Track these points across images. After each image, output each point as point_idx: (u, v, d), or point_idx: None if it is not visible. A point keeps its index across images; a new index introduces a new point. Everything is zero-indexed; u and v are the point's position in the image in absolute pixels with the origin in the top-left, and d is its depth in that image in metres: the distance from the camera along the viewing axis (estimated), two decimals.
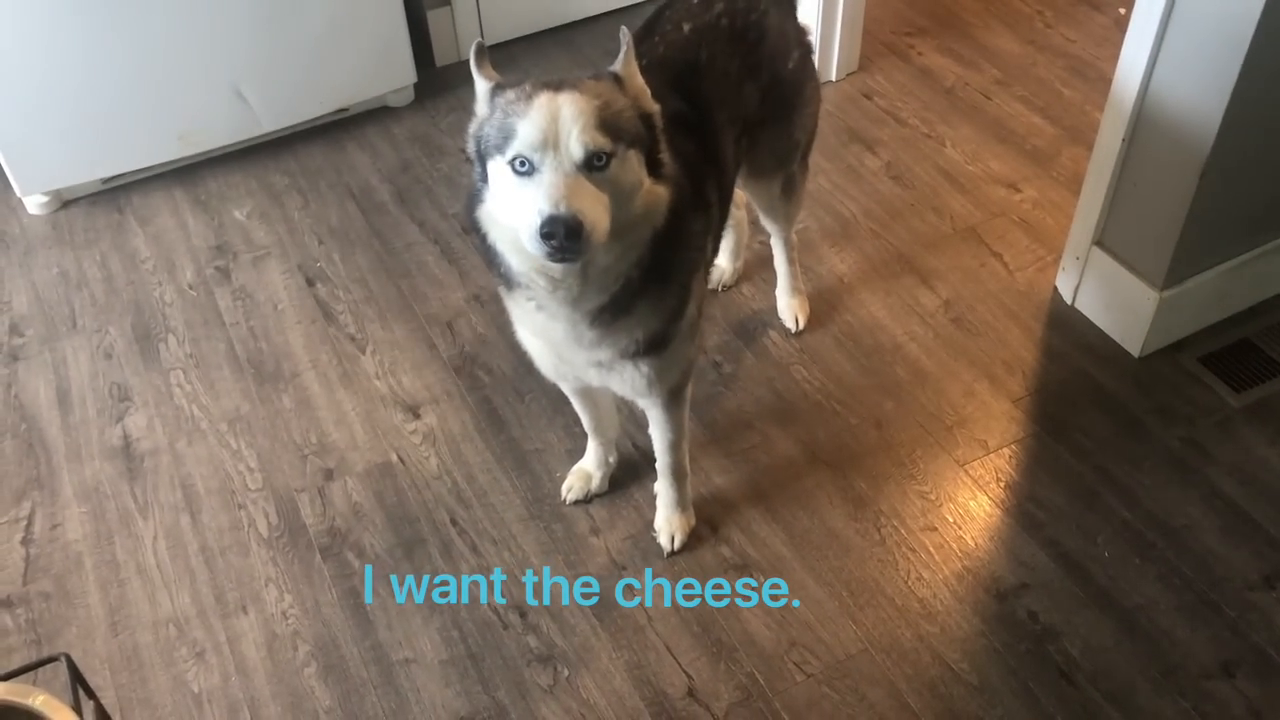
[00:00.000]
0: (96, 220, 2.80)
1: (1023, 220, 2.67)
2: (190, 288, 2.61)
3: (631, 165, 1.45)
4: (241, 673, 1.92)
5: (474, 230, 1.55)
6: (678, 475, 2.03)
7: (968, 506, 2.12)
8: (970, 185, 2.77)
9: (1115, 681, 1.85)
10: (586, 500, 2.14)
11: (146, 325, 2.53)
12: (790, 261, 2.40)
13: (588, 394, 1.99)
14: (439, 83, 3.15)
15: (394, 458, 2.24)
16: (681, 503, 2.06)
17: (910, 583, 2.00)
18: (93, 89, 2.65)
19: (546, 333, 1.67)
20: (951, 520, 2.09)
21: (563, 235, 1.35)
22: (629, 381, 1.74)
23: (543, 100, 1.40)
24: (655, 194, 1.50)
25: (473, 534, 2.10)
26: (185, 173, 2.90)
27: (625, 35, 1.48)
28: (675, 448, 1.97)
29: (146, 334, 2.51)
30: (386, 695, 1.88)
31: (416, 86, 3.08)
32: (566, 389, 1.98)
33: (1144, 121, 2.14)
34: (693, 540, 2.08)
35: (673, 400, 1.86)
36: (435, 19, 3.14)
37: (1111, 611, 1.94)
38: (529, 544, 2.09)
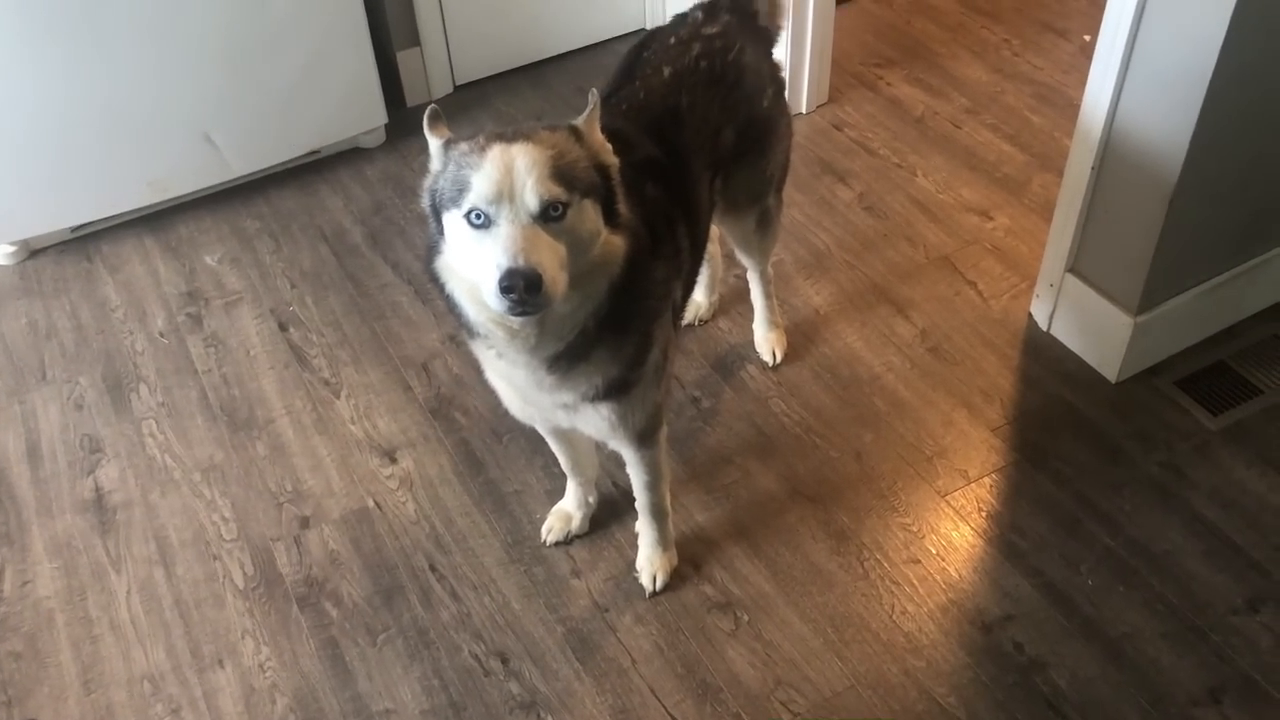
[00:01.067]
0: (65, 269, 2.78)
1: (996, 248, 2.68)
2: (162, 335, 2.59)
3: (588, 215, 1.44)
4: None
5: (433, 281, 1.54)
6: (657, 514, 2.01)
7: (950, 537, 2.11)
8: (942, 214, 2.78)
9: (1103, 712, 1.84)
10: (567, 542, 2.12)
11: (117, 375, 2.50)
12: (766, 295, 2.40)
13: (562, 434, 1.97)
14: (410, 123, 3.14)
15: (371, 503, 2.21)
16: (663, 541, 2.04)
17: (895, 616, 1.99)
18: (60, 137, 2.63)
19: (509, 377, 1.66)
20: (935, 552, 2.08)
21: (522, 289, 1.34)
22: (594, 425, 1.73)
23: (496, 152, 1.39)
24: (612, 244, 1.49)
25: (452, 579, 2.07)
26: (155, 219, 2.88)
27: (594, 97, 1.49)
28: (652, 488, 1.95)
29: (118, 383, 2.48)
30: None
31: (388, 127, 3.07)
32: (541, 430, 1.97)
33: (1112, 148, 2.16)
34: (675, 579, 2.06)
35: (643, 442, 1.84)
36: (405, 60, 3.14)
37: (1097, 640, 1.93)
38: (509, 588, 2.06)
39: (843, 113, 3.12)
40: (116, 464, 2.31)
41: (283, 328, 2.59)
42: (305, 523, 2.18)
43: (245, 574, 2.10)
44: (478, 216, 1.39)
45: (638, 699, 1.89)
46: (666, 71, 1.85)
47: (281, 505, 2.21)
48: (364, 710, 1.90)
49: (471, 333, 1.58)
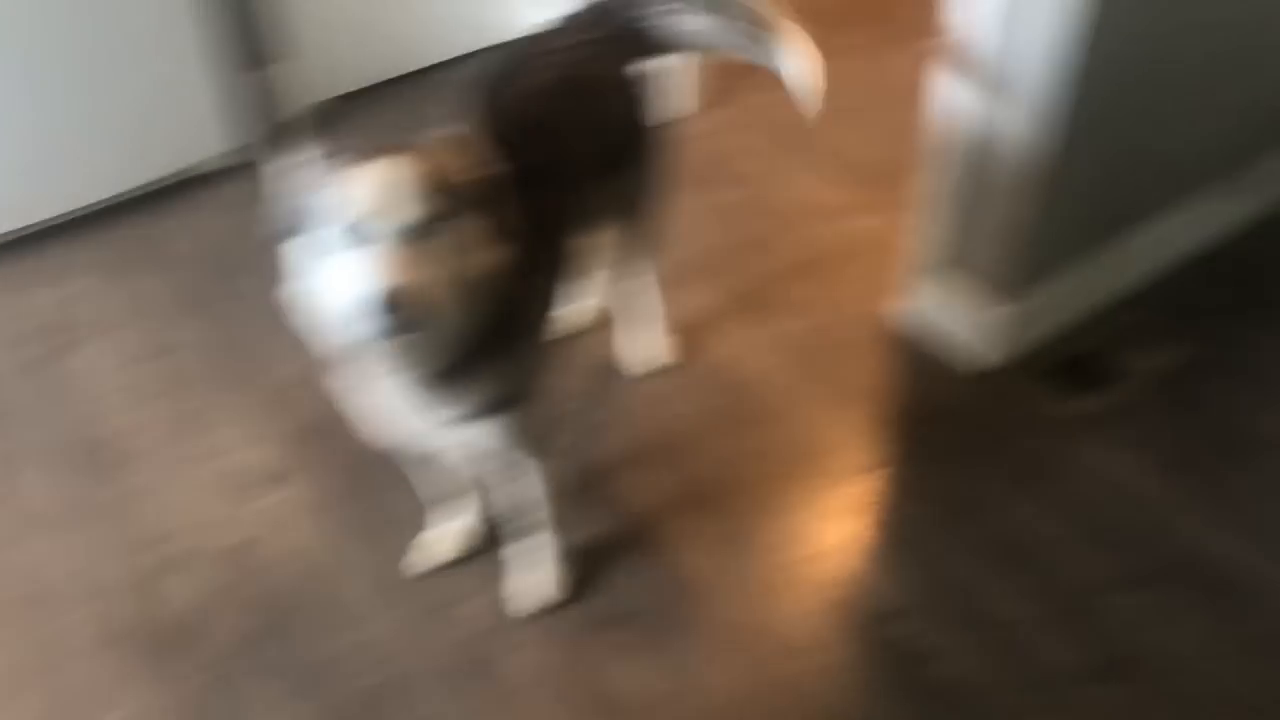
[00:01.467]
0: None
1: (865, 248, 2.72)
2: (7, 374, 2.43)
3: (466, 231, 1.40)
4: None
5: (294, 308, 1.48)
6: (538, 532, 1.96)
7: (836, 536, 2.12)
8: (811, 217, 2.82)
9: (989, 698, 1.87)
10: (440, 569, 2.05)
11: None
12: (649, 302, 2.38)
13: (432, 460, 1.91)
14: (262, 145, 3.03)
15: (240, 539, 2.11)
16: (544, 561, 2.00)
17: (787, 617, 1.98)
18: None
19: (386, 400, 1.60)
20: (823, 550, 2.09)
21: (391, 311, 1.29)
22: (482, 441, 1.69)
23: (366, 168, 1.34)
24: (493, 259, 1.45)
25: (329, 612, 1.99)
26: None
27: (471, 110, 1.47)
28: (540, 502, 1.91)
29: None
30: None
31: (239, 150, 2.96)
32: (412, 455, 1.91)
33: (975, 139, 2.20)
34: (563, 596, 2.01)
35: (532, 453, 1.80)
36: (256, 81, 3.03)
37: (982, 629, 1.96)
38: (390, 619, 1.98)
39: (711, 121, 3.13)
40: None
41: (139, 360, 2.46)
42: (171, 564, 2.07)
43: (109, 626, 1.98)
44: (348, 235, 1.33)
45: None
46: (544, 76, 1.82)
47: (146, 546, 2.10)
48: None
49: (342, 356, 1.51)
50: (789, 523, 2.14)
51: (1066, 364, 2.42)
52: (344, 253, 1.34)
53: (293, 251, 1.43)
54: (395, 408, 1.62)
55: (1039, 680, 1.89)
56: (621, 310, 2.40)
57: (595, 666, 1.91)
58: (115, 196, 2.82)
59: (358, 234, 1.33)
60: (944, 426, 2.31)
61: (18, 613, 2.00)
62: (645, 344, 2.43)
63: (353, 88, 3.22)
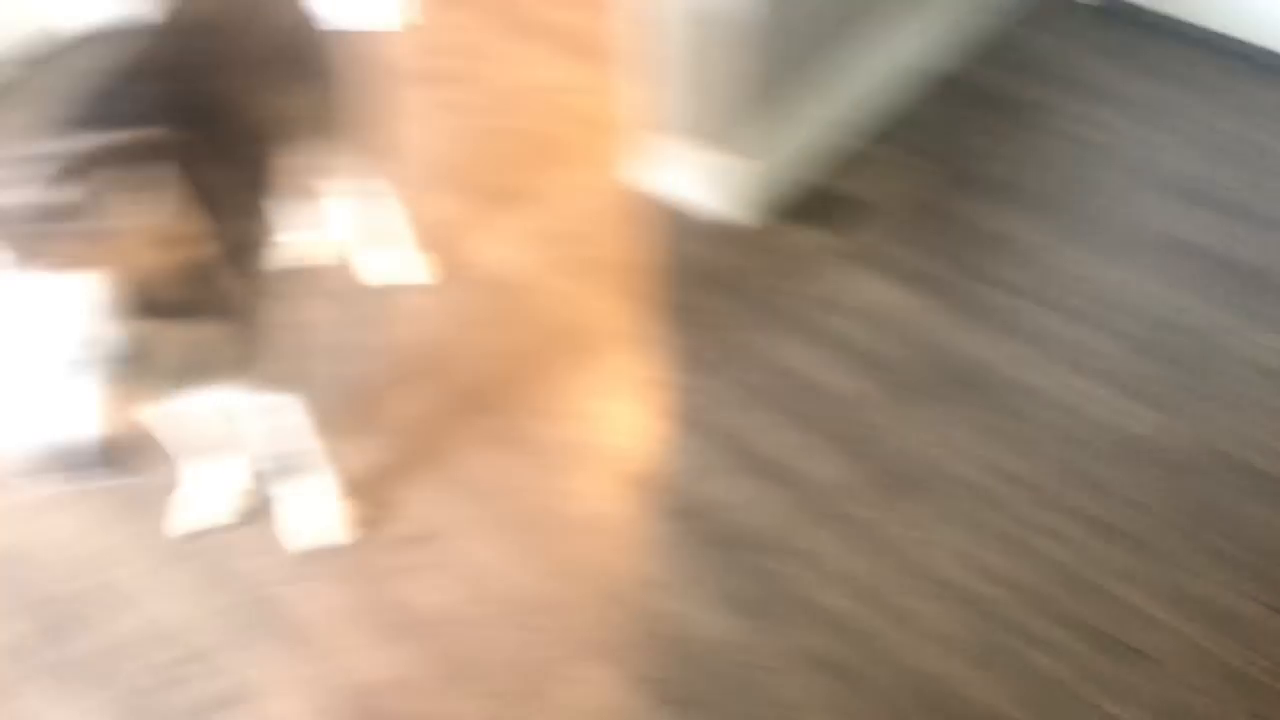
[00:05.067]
0: None
1: (600, 122, 2.70)
2: None
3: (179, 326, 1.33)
4: None
5: None
6: (313, 472, 1.91)
7: (622, 414, 2.14)
8: (541, 98, 2.77)
9: (778, 528, 1.94)
10: (215, 530, 1.98)
11: None
12: (392, 217, 2.31)
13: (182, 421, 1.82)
14: None
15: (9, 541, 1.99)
16: (326, 500, 1.95)
17: (583, 502, 2.00)
18: None
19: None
20: (610, 431, 2.11)
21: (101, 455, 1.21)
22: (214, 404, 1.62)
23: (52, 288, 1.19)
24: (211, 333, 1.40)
25: (104, 600, 1.90)
26: None
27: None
28: (301, 442, 1.85)
29: None
30: None
31: None
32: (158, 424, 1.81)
33: None
34: (358, 524, 1.98)
35: (276, 397, 1.74)
36: None
37: (765, 470, 2.03)
38: (175, 588, 1.91)
39: (434, 19, 3.02)
40: None
41: None
42: None
43: None
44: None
45: (342, 658, 1.82)
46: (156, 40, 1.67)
47: None
48: None
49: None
50: (568, 411, 2.14)
51: (814, 206, 2.47)
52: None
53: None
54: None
55: (820, 507, 1.97)
56: (366, 230, 2.33)
57: (403, 586, 1.90)
58: None
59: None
60: (710, 287, 2.34)
61: None
62: (395, 260, 2.37)
63: None
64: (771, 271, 2.36)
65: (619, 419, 2.13)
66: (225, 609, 1.88)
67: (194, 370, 1.42)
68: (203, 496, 1.98)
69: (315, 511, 1.96)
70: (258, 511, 2.01)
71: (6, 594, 1.92)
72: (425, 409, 2.16)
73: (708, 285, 2.34)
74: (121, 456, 1.20)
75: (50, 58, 1.59)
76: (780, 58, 2.25)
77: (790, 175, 2.49)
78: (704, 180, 2.44)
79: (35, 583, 1.93)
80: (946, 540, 1.92)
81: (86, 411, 1.18)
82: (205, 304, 1.45)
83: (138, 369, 1.24)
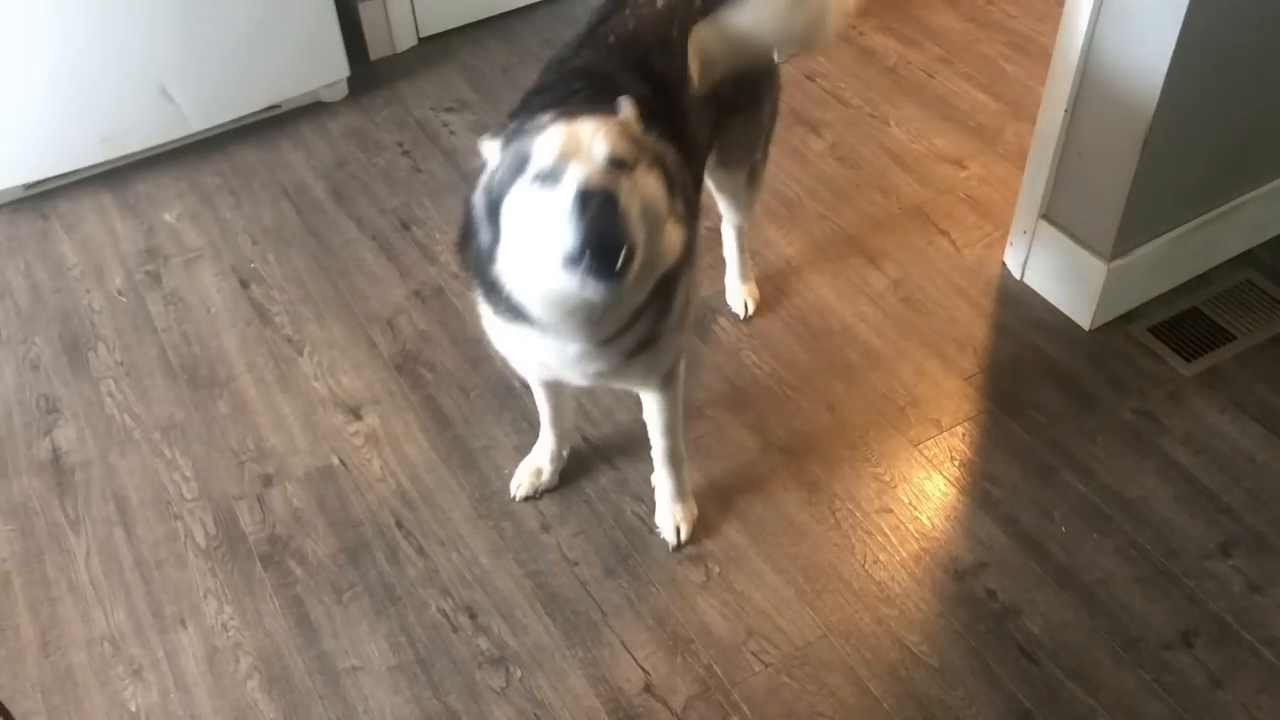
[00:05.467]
0: (20, 228, 2.70)
1: (969, 197, 2.65)
2: (120, 294, 2.52)
3: (654, 184, 1.41)
4: (181, 689, 1.85)
5: (485, 286, 1.51)
6: (675, 461, 1.97)
7: (923, 486, 2.09)
8: (915, 164, 2.75)
9: (1076, 657, 1.83)
10: (536, 496, 2.08)
11: (75, 334, 2.44)
12: (741, 248, 2.36)
13: (554, 387, 1.93)
14: (373, 76, 3.08)
15: (335, 461, 2.17)
16: (682, 491, 2.01)
17: (867, 566, 1.97)
18: (10, 91, 2.55)
19: (544, 354, 1.60)
20: (907, 501, 2.06)
21: (598, 218, 1.28)
22: (623, 380, 1.71)
23: (560, 122, 1.38)
24: (674, 236, 1.47)
25: (419, 536, 2.04)
26: (112, 176, 2.81)
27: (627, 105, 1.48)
28: (671, 430, 1.92)
29: (75, 343, 2.42)
30: (333, 705, 1.82)
31: (350, 81, 3.00)
32: (544, 392, 1.95)
33: (1085, 91, 2.12)
34: (644, 533, 2.03)
35: (667, 384, 1.82)
36: (367, 11, 3.07)
37: (1070, 587, 1.92)
38: (477, 543, 2.03)
39: (815, 63, 3.07)
40: (74, 424, 2.25)
41: (244, 285, 2.53)
42: (268, 481, 2.14)
43: (207, 533, 2.06)
44: (543, 177, 1.34)
45: (608, 652, 1.87)
46: (660, 2, 1.79)
47: (244, 464, 2.17)
48: (329, 668, 1.86)
49: (517, 318, 1.51)
50: (871, 472, 2.11)
51: (1170, 324, 2.33)
52: (539, 197, 1.35)
53: (484, 234, 1.46)
54: (553, 361, 1.62)
55: (1127, 641, 1.84)
56: (727, 254, 2.39)
57: (676, 601, 1.93)
58: (230, 123, 2.89)
59: (556, 170, 1.34)
60: (1040, 382, 2.24)
61: (134, 514, 2.09)
62: (735, 289, 2.41)
63: (457, 23, 3.23)
64: (1111, 380, 2.23)
65: (920, 494, 2.07)
66: (516, 576, 1.98)
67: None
68: (543, 466, 2.08)
69: (665, 506, 2.02)
70: (572, 493, 2.10)
71: (326, 507, 2.09)
72: (732, 437, 2.18)
73: (1041, 379, 2.25)
74: (617, 237, 1.31)
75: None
76: (1171, 169, 2.14)
77: (1153, 288, 2.36)
78: (1063, 275, 2.34)
79: (352, 505, 2.10)
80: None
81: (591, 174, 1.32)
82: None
83: (624, 179, 1.36)
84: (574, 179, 1.30)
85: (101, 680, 1.86)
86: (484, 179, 1.46)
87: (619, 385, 1.77)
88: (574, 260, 1.32)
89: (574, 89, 1.64)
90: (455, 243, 1.59)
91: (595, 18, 1.80)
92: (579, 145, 1.35)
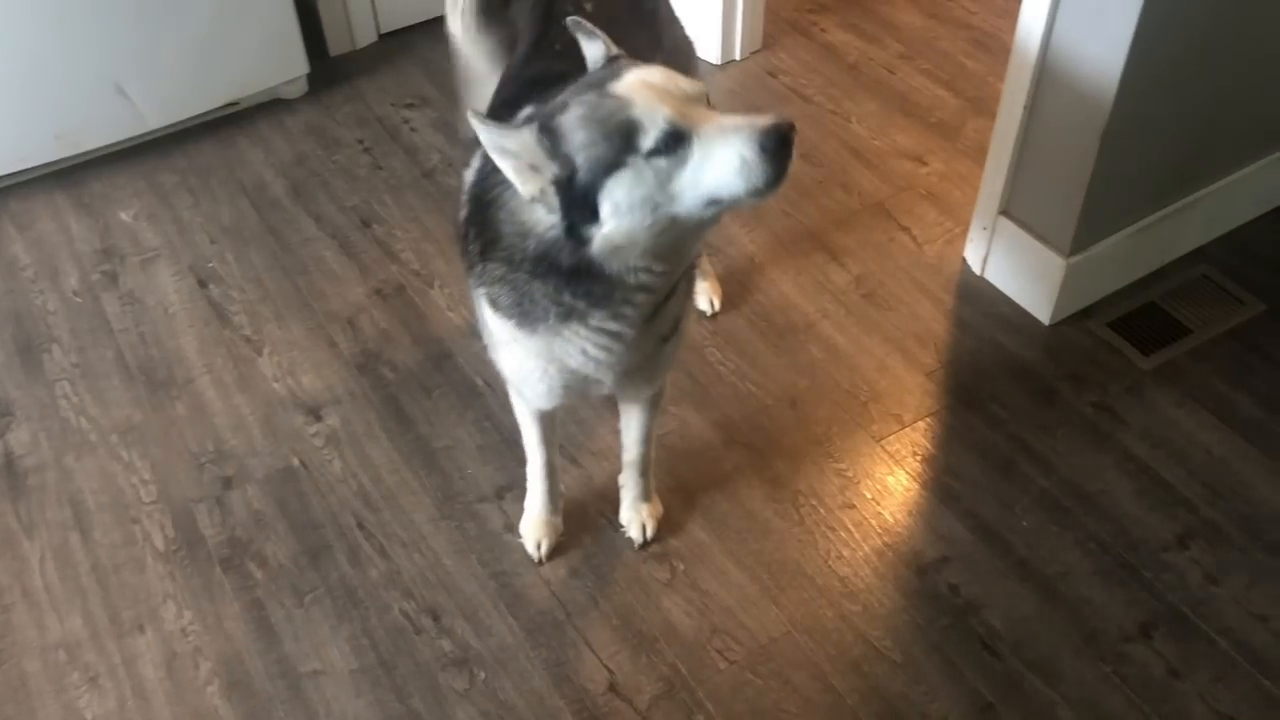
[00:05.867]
0: None
1: (929, 193, 2.66)
2: (75, 295, 2.49)
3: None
4: (139, 696, 1.82)
5: (559, 274, 1.39)
6: (649, 464, 1.97)
7: (885, 482, 2.10)
8: (876, 160, 2.76)
9: (1037, 650, 1.85)
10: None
11: (28, 335, 2.39)
12: (700, 250, 2.35)
13: (549, 420, 1.88)
14: (333, 73, 3.05)
15: (296, 462, 2.14)
16: (647, 490, 2.00)
17: (830, 561, 1.97)
18: None
19: (584, 352, 1.53)
20: (869, 496, 2.07)
21: (785, 141, 1.25)
22: (648, 372, 1.66)
23: (633, 78, 1.30)
24: None
25: (381, 537, 2.02)
26: (66, 174, 2.76)
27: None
28: (651, 435, 1.92)
29: (28, 345, 2.38)
30: (295, 710, 1.80)
31: (310, 77, 2.97)
32: (539, 431, 1.88)
33: (1044, 88, 2.14)
34: (609, 531, 2.02)
35: (661, 391, 1.84)
36: (327, 7, 3.03)
37: (1031, 580, 1.94)
38: (440, 544, 2.01)
39: (777, 59, 3.08)
40: (28, 427, 2.22)
41: (202, 284, 2.50)
42: (228, 483, 2.11)
43: (166, 537, 2.04)
44: (669, 140, 1.26)
45: (572, 652, 1.86)
46: (589, 5, 1.79)
47: (203, 466, 2.14)
48: (291, 672, 1.85)
49: (571, 317, 1.45)
50: (834, 468, 2.12)
51: (1129, 319, 2.35)
52: (668, 163, 1.27)
53: (561, 223, 1.34)
54: (603, 360, 1.54)
55: (1087, 634, 1.86)
56: None
57: (641, 599, 1.93)
58: (188, 120, 2.85)
59: (678, 131, 1.26)
60: (1000, 377, 2.26)
61: (90, 518, 2.06)
62: (697, 286, 2.40)
63: (419, 19, 3.20)
64: (1070, 375, 2.25)
65: (883, 490, 2.08)
66: (480, 577, 1.97)
67: None
68: (550, 517, 2.00)
69: (632, 506, 2.01)
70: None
71: (286, 509, 2.07)
72: (696, 434, 2.18)
73: (1001, 374, 2.26)
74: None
75: None
76: (1128, 165, 2.16)
77: (1110, 282, 2.38)
78: (1022, 270, 2.36)
79: (313, 507, 2.08)
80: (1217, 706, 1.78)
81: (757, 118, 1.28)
82: None
83: None
84: (763, 126, 1.26)
85: (56, 689, 1.83)
86: (550, 171, 1.30)
87: (632, 386, 1.71)
88: (770, 185, 1.28)
89: (536, 95, 1.63)
90: (477, 253, 1.48)
91: (534, 34, 1.79)
92: (680, 90, 1.29)
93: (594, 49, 1.43)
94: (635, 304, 1.45)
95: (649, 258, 1.38)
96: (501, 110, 1.66)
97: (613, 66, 1.37)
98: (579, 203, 1.31)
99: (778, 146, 1.25)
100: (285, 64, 2.89)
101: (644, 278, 1.40)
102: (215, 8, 2.68)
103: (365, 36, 3.13)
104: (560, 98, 1.35)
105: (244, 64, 2.82)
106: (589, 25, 1.44)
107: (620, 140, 1.27)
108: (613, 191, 1.29)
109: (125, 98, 2.69)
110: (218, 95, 2.85)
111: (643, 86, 1.29)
